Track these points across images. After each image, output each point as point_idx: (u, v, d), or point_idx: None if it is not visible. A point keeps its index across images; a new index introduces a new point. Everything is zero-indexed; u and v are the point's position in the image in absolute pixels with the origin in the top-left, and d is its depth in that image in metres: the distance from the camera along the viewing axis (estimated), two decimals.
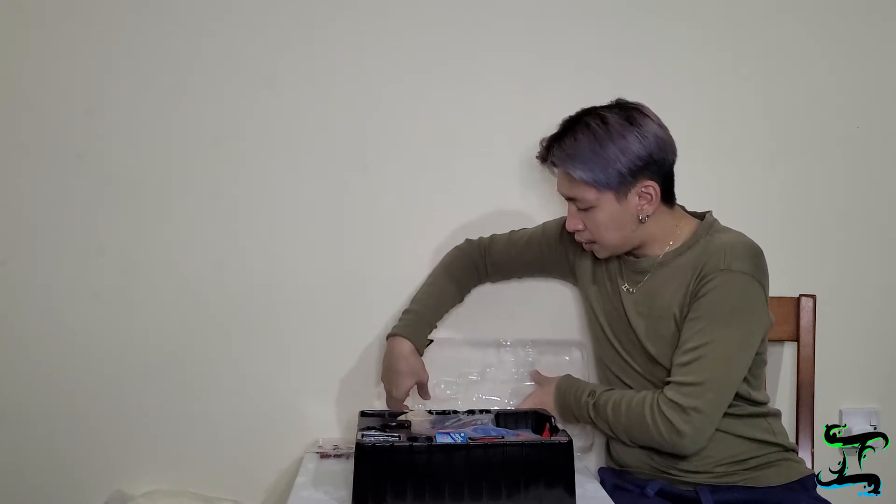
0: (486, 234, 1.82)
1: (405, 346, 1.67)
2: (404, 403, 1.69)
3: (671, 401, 1.45)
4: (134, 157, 1.80)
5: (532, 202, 1.85)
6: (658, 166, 1.50)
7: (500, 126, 1.85)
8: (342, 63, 1.82)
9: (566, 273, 1.75)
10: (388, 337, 1.71)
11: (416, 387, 1.70)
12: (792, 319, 1.80)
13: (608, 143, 1.47)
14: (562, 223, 1.74)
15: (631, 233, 1.55)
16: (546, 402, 1.64)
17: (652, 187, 1.51)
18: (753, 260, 1.50)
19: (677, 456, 1.53)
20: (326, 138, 1.83)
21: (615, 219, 1.52)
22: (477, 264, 1.78)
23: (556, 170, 1.55)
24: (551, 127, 1.81)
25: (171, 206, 1.82)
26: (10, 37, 1.79)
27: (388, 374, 1.69)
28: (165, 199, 1.81)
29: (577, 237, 1.59)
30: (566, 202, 1.57)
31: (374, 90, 1.83)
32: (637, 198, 1.51)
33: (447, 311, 1.77)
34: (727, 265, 1.47)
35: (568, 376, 1.69)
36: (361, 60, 1.82)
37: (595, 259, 1.67)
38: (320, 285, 1.83)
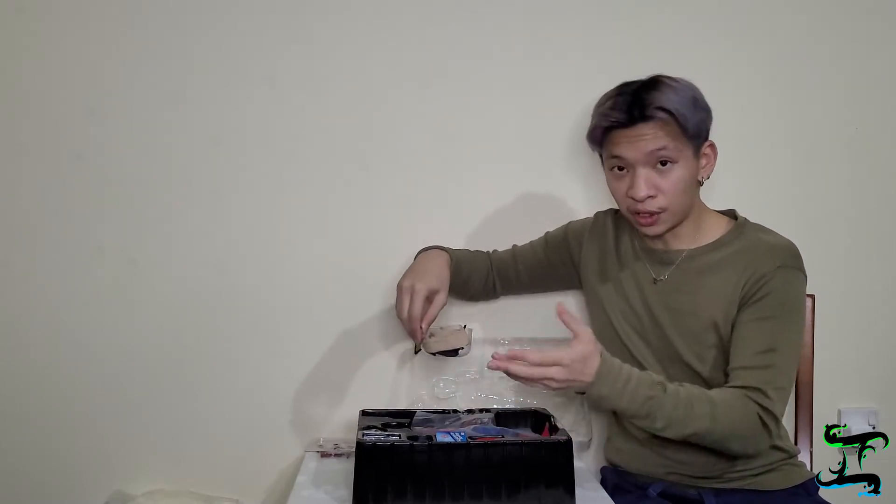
0: (486, 235, 1.83)
1: (442, 255, 1.61)
2: (420, 324, 1.52)
3: (765, 408, 1.43)
4: (134, 157, 1.80)
5: (533, 201, 1.85)
6: (710, 127, 1.52)
7: (501, 125, 1.85)
8: (342, 63, 1.82)
9: (571, 275, 1.72)
10: (420, 252, 1.66)
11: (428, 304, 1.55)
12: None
13: (686, 93, 1.47)
14: (563, 229, 1.74)
15: (691, 200, 1.53)
16: (589, 361, 1.35)
17: (710, 147, 1.52)
18: (799, 257, 1.52)
19: (684, 459, 1.54)
20: (326, 138, 1.83)
21: (689, 179, 1.49)
22: (487, 270, 1.76)
23: (638, 125, 1.45)
24: (552, 126, 1.84)
25: (171, 206, 1.82)
26: (10, 37, 1.79)
27: (414, 272, 1.58)
28: (165, 199, 1.81)
29: (645, 206, 1.48)
30: (633, 169, 1.47)
31: (375, 90, 1.83)
32: (701, 158, 1.51)
33: (468, 279, 1.70)
34: (783, 262, 1.49)
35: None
36: (362, 60, 1.82)
37: (603, 254, 1.66)
38: (320, 285, 1.83)
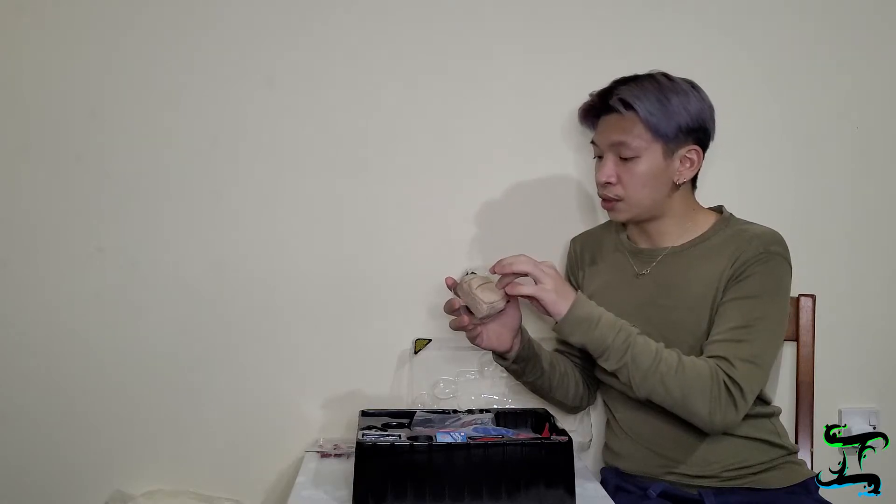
0: (487, 235, 1.83)
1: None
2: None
3: (732, 379, 1.43)
4: (134, 158, 1.80)
5: (534, 200, 1.85)
6: (705, 135, 1.56)
7: (502, 125, 1.85)
8: (342, 63, 1.82)
9: None
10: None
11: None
12: (791, 319, 1.80)
13: (673, 95, 1.51)
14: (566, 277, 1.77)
15: (661, 198, 1.55)
16: (562, 294, 1.44)
17: (696, 152, 1.55)
18: (784, 246, 1.54)
19: (682, 458, 1.55)
20: (326, 138, 1.83)
21: (654, 175, 1.53)
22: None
23: (610, 115, 1.53)
24: (552, 125, 1.83)
25: (171, 206, 1.81)
26: (10, 37, 1.79)
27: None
28: (165, 199, 1.81)
29: (605, 191, 1.56)
30: (604, 155, 1.55)
31: (374, 89, 1.83)
32: (679, 161, 1.54)
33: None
34: (766, 248, 1.51)
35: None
36: (361, 60, 1.82)
37: (593, 267, 1.68)
38: (320, 285, 1.83)
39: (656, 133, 1.50)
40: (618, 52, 1.84)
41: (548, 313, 1.47)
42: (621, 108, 1.51)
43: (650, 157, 1.52)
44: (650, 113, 1.49)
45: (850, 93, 1.91)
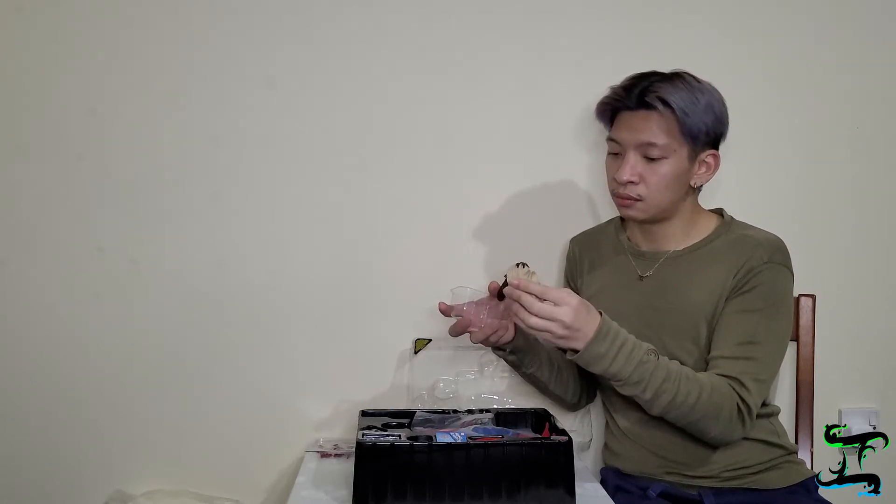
0: (487, 235, 1.83)
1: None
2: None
3: (745, 402, 1.44)
4: (134, 158, 1.80)
5: (534, 200, 1.85)
6: (721, 139, 1.55)
7: (502, 125, 1.85)
8: (342, 63, 1.82)
9: None
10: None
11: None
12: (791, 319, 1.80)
13: (701, 96, 1.49)
14: (566, 280, 1.76)
15: (678, 200, 1.54)
16: (584, 319, 1.37)
17: (713, 156, 1.54)
18: (787, 254, 1.54)
19: (681, 459, 1.55)
20: (326, 138, 1.83)
21: (677, 177, 1.51)
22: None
23: (638, 112, 1.49)
24: (553, 125, 1.84)
25: (171, 206, 1.81)
26: (10, 37, 1.78)
27: None
28: (165, 199, 1.81)
29: (625, 190, 1.52)
30: (625, 152, 1.51)
31: (375, 90, 1.83)
32: (698, 165, 1.53)
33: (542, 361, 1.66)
34: (771, 258, 1.50)
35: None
36: (361, 60, 1.82)
37: (592, 268, 1.68)
38: (320, 285, 1.83)
39: (687, 135, 1.48)
40: (617, 52, 1.83)
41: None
42: (660, 107, 1.46)
43: (677, 159, 1.50)
44: (685, 114, 1.46)
45: (851, 93, 1.91)
